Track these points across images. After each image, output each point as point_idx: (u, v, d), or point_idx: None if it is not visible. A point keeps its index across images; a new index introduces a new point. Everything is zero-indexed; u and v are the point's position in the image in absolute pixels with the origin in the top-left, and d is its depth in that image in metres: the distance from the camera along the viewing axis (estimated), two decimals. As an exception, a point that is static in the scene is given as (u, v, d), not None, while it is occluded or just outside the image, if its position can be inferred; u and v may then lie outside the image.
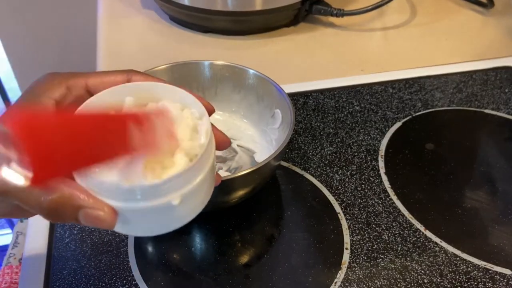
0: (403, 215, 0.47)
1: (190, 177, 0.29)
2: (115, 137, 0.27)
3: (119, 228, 0.30)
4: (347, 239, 0.45)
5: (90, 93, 0.33)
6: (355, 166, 0.52)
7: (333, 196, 0.49)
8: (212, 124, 0.32)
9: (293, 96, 0.61)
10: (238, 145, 0.51)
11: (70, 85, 0.32)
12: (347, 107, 0.60)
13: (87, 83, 0.33)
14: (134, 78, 0.34)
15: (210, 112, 0.34)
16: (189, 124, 0.31)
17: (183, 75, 0.52)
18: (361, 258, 0.44)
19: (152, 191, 0.28)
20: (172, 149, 0.29)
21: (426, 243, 0.45)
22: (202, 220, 0.46)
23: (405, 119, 0.58)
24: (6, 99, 1.30)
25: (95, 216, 0.28)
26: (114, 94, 0.32)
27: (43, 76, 0.32)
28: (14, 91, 1.48)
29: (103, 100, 0.31)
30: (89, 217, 0.28)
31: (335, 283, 0.42)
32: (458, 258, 0.44)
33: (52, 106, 0.31)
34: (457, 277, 0.42)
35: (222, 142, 0.35)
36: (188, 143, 0.30)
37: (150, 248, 0.45)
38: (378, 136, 0.56)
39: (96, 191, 0.28)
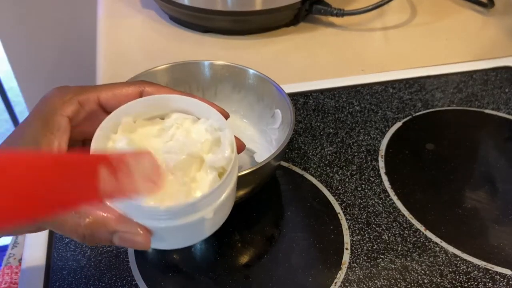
0: (403, 215, 0.47)
1: (221, 190, 0.30)
2: (83, 181, 0.24)
3: (153, 245, 0.30)
4: (347, 239, 0.45)
5: (102, 107, 0.32)
6: (355, 166, 0.52)
7: (333, 196, 0.49)
8: None
9: (293, 96, 0.60)
10: (238, 145, 0.51)
11: (82, 100, 0.31)
12: (347, 107, 0.60)
13: (99, 97, 0.32)
14: (146, 89, 0.33)
15: (226, 117, 0.33)
16: (207, 138, 0.31)
17: (183, 75, 0.52)
18: (361, 258, 0.44)
19: (186, 210, 0.28)
20: (153, 191, 0.28)
21: (426, 243, 0.45)
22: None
23: (405, 119, 0.58)
24: (6, 99, 1.30)
25: (130, 239, 0.28)
26: (129, 110, 0.31)
27: (50, 92, 0.31)
28: (14, 91, 1.48)
29: (118, 118, 0.31)
30: (124, 240, 0.28)
31: (335, 283, 0.42)
32: (458, 258, 0.44)
33: (66, 123, 0.30)
34: (457, 277, 0.42)
35: (238, 147, 0.34)
36: (211, 157, 0.30)
37: (150, 248, 0.45)
38: (378, 136, 0.56)
39: (131, 213, 0.28)
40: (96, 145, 0.29)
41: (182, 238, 0.31)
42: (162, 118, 0.33)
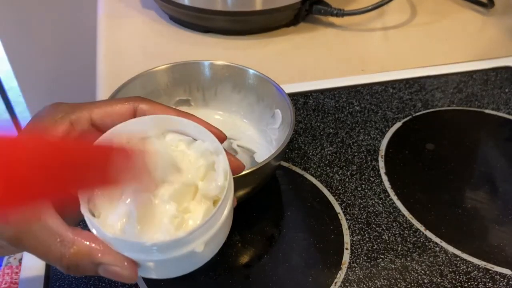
0: (403, 215, 0.47)
1: (213, 222, 0.28)
2: (96, 165, 0.25)
3: (141, 275, 0.29)
4: (347, 239, 0.45)
5: (95, 126, 0.31)
6: (355, 166, 0.52)
7: (333, 196, 0.49)
8: (224, 150, 0.31)
9: (293, 96, 0.60)
10: (238, 145, 0.51)
11: (74, 120, 0.30)
12: (347, 107, 0.60)
13: (91, 116, 0.31)
14: (141, 107, 0.32)
15: (222, 140, 0.32)
16: (202, 163, 0.30)
17: (183, 75, 0.52)
18: (361, 258, 0.44)
19: (175, 244, 0.27)
20: (148, 188, 0.27)
21: (426, 243, 0.45)
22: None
23: (405, 119, 0.58)
24: (6, 99, 1.30)
25: (115, 272, 0.27)
26: (121, 131, 0.30)
27: (42, 110, 0.31)
28: (14, 91, 1.48)
29: (110, 140, 0.30)
30: (109, 272, 0.27)
31: (335, 283, 0.42)
32: (458, 258, 0.44)
33: None
34: (457, 277, 0.42)
35: (236, 168, 0.32)
36: (205, 185, 0.29)
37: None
38: (378, 136, 0.56)
39: (117, 245, 0.27)
40: None
41: (170, 270, 0.30)
42: (157, 138, 0.32)
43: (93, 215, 0.28)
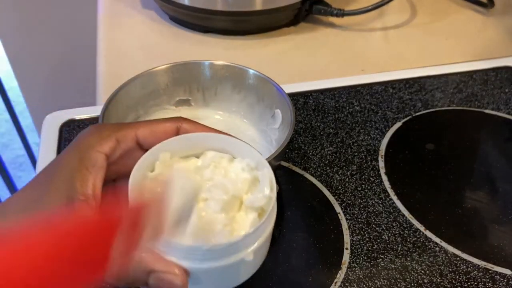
0: (403, 215, 0.47)
1: (261, 231, 0.29)
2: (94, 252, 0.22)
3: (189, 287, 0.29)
4: (347, 239, 0.45)
5: (139, 144, 0.31)
6: (355, 166, 0.52)
7: (333, 196, 0.49)
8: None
9: (293, 96, 0.60)
10: (238, 145, 0.51)
11: (120, 137, 0.30)
12: (347, 107, 0.60)
13: (136, 134, 0.31)
14: (184, 126, 0.32)
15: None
16: (246, 177, 0.31)
17: (183, 75, 0.52)
18: (361, 258, 0.44)
19: (228, 250, 0.27)
20: (156, 235, 0.27)
21: (426, 243, 0.45)
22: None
23: (405, 119, 0.58)
24: (6, 99, 1.30)
25: (167, 279, 0.27)
26: (165, 148, 0.31)
27: (87, 129, 0.31)
28: (14, 91, 1.48)
29: (155, 156, 0.31)
30: (160, 281, 0.27)
31: (335, 283, 0.42)
32: (458, 258, 0.44)
33: (103, 160, 0.29)
34: (457, 277, 0.42)
35: None
36: (250, 197, 0.30)
37: None
38: (378, 136, 0.56)
39: (167, 252, 0.27)
40: (133, 183, 0.28)
41: (218, 281, 0.30)
42: (197, 157, 0.33)
43: None
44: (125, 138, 0.31)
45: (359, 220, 0.47)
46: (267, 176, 0.30)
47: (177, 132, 0.32)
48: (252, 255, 0.28)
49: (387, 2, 0.71)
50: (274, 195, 0.29)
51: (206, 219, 0.28)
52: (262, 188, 0.30)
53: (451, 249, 0.45)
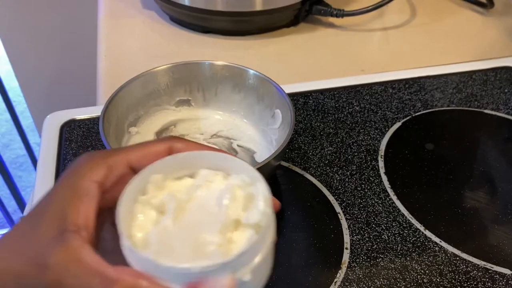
0: (403, 215, 0.48)
1: (258, 248, 0.27)
2: None
3: None
4: (347, 239, 0.45)
5: (132, 169, 0.31)
6: (355, 166, 0.52)
7: (333, 196, 0.49)
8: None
9: (293, 96, 0.61)
10: (238, 145, 0.51)
11: (111, 164, 0.30)
12: (347, 107, 0.60)
13: (128, 159, 0.30)
14: (176, 146, 0.31)
15: (276, 208, 0.31)
16: (240, 194, 0.30)
17: (183, 75, 0.52)
18: (361, 258, 0.44)
19: (221, 271, 0.26)
20: None
21: (426, 243, 0.45)
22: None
23: (405, 119, 0.58)
24: (7, 99, 1.30)
25: None
26: (156, 170, 0.30)
27: (79, 157, 0.30)
28: (14, 91, 1.48)
29: (145, 178, 0.30)
30: None
31: (335, 283, 0.42)
32: (457, 258, 0.44)
33: (95, 189, 0.28)
34: (457, 276, 0.43)
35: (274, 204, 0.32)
36: (245, 214, 0.29)
37: None
38: (378, 136, 0.56)
39: (161, 276, 0.26)
40: (122, 212, 0.28)
41: None
42: (191, 177, 0.32)
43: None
44: (117, 164, 0.30)
45: (359, 220, 0.47)
46: (261, 191, 0.29)
47: (170, 152, 0.31)
48: (249, 274, 0.27)
49: (387, 2, 0.71)
50: (270, 210, 0.28)
51: (200, 242, 0.27)
52: (257, 203, 0.29)
53: (450, 248, 0.45)
